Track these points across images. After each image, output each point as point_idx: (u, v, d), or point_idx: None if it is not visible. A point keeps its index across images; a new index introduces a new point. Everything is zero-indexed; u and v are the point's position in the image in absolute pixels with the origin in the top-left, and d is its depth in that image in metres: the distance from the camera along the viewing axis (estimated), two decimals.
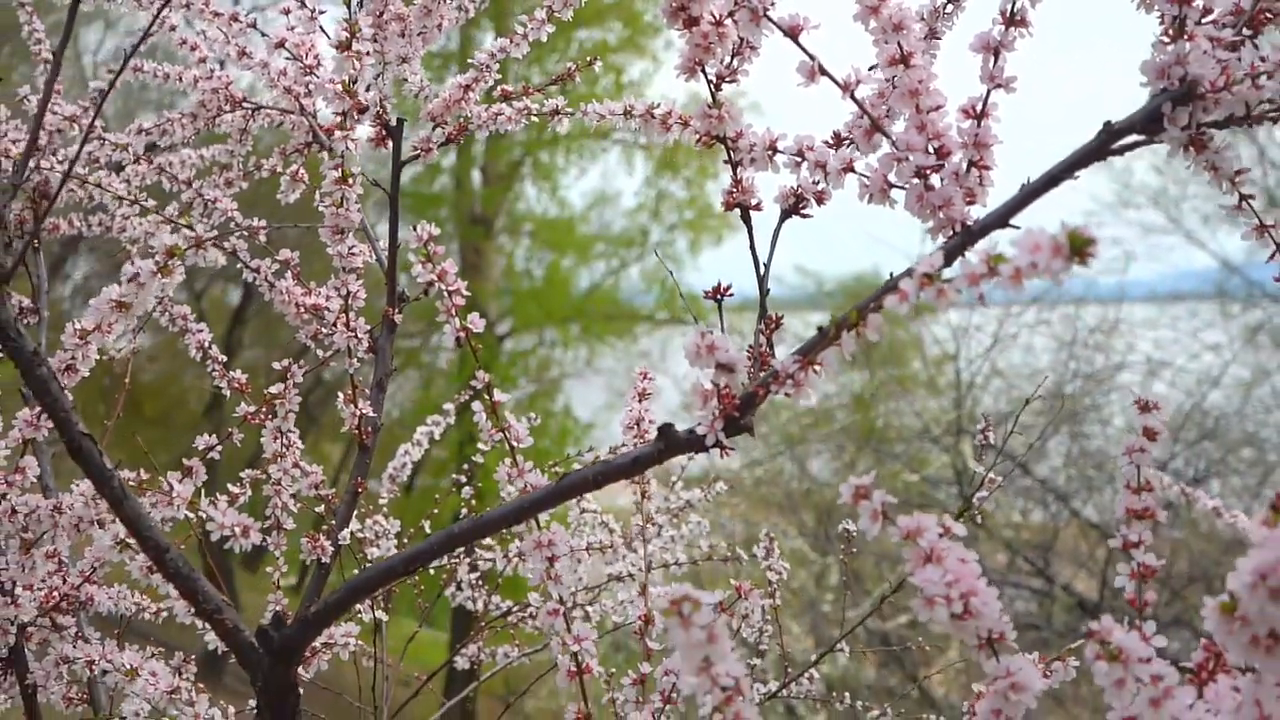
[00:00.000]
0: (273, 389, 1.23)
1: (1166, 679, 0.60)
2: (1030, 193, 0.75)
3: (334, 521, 1.25)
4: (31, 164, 1.50)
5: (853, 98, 0.84)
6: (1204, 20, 0.73)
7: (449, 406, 2.19)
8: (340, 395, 1.25)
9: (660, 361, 10.15)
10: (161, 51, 1.66)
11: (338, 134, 1.15)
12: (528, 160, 10.93)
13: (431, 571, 2.05)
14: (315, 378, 3.94)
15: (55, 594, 1.19)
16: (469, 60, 1.41)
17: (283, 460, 1.24)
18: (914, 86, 0.80)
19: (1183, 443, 7.92)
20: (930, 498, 8.23)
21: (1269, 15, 0.73)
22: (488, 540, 2.13)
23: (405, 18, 1.31)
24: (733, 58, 0.89)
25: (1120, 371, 8.58)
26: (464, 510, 2.16)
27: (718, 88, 0.91)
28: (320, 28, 1.31)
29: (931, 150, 0.80)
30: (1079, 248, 0.57)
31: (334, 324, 1.25)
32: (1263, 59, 0.70)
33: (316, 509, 1.34)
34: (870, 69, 0.84)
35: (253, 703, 1.09)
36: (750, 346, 0.88)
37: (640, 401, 1.13)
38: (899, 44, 0.80)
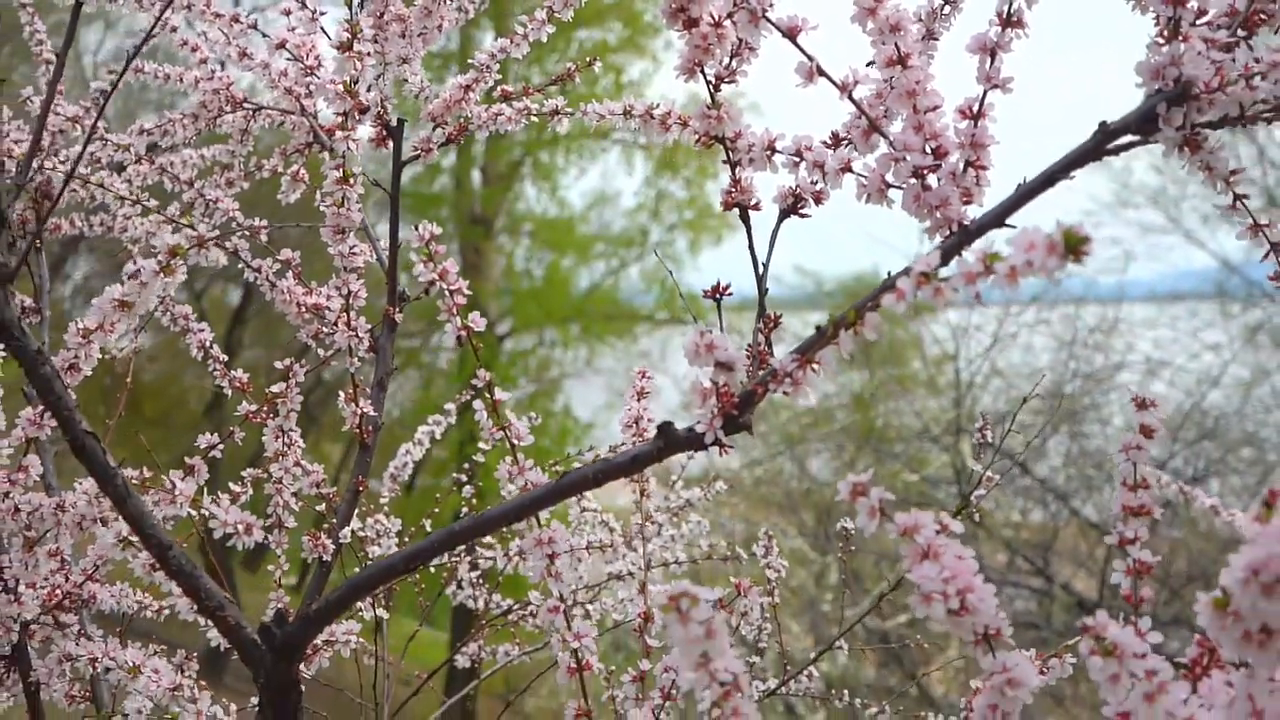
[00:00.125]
0: (274, 388, 1.23)
1: (1161, 674, 0.61)
2: (1026, 193, 0.76)
3: (335, 520, 1.26)
4: (34, 164, 1.50)
5: (850, 98, 0.85)
6: (1198, 21, 0.74)
7: (450, 406, 2.20)
8: (341, 394, 1.25)
9: (660, 361, 10.16)
10: (162, 52, 1.66)
11: (339, 134, 1.16)
12: (528, 160, 10.94)
13: (432, 570, 2.05)
14: (315, 378, 3.94)
15: (58, 592, 1.20)
16: (469, 60, 1.41)
17: (284, 459, 1.24)
18: (911, 87, 0.81)
19: (1182, 442, 7.93)
20: (930, 497, 8.24)
21: (1263, 17, 0.74)
22: (488, 539, 2.13)
23: (406, 18, 1.32)
24: (732, 58, 0.90)
25: (1120, 371, 8.60)
26: (464, 509, 2.16)
27: (717, 88, 0.91)
28: (321, 29, 1.32)
29: (929, 150, 0.81)
30: (1074, 246, 0.58)
31: (335, 323, 1.26)
32: (1257, 60, 0.71)
33: (317, 507, 1.34)
34: (869, 63, 0.84)
35: (255, 700, 1.10)
36: (749, 345, 0.89)
37: (639, 400, 1.13)
38: (896, 45, 0.81)
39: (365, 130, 1.33)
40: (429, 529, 1.99)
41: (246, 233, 1.38)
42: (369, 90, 1.27)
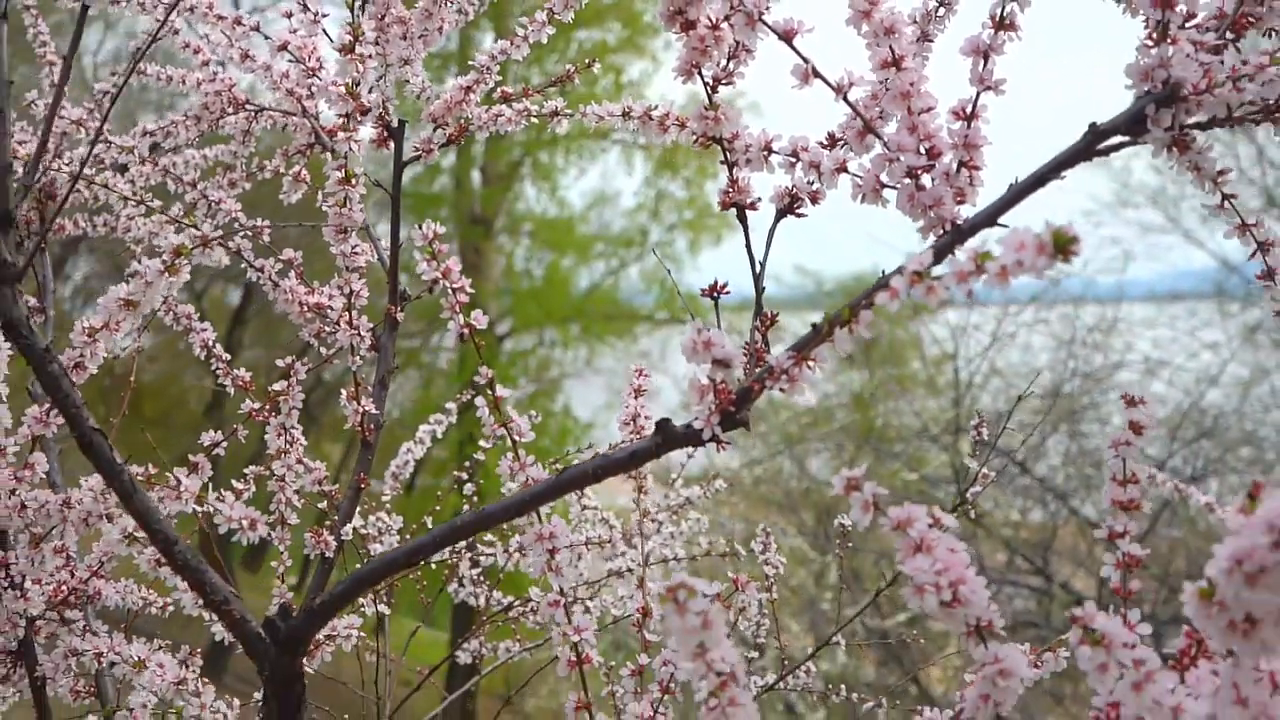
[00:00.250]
0: (276, 385, 1.24)
1: (1148, 663, 0.62)
2: (1018, 192, 0.77)
3: (337, 517, 1.27)
4: (40, 165, 1.52)
5: (846, 100, 0.86)
6: (1187, 24, 0.75)
7: (451, 405, 2.21)
8: (343, 392, 1.27)
9: (660, 361, 10.17)
10: (163, 54, 1.68)
11: (341, 135, 1.17)
12: (527, 160, 10.95)
13: (433, 567, 2.07)
14: (315, 378, 3.95)
15: (63, 588, 1.21)
16: (469, 62, 1.43)
17: (286, 456, 1.25)
18: (905, 89, 0.82)
19: (1181, 441, 7.94)
20: (929, 496, 8.25)
21: (1250, 20, 0.75)
22: (489, 536, 2.14)
23: (407, 21, 1.33)
24: (729, 60, 0.91)
25: (1119, 370, 8.61)
26: (465, 508, 2.17)
27: (714, 90, 0.92)
28: (324, 30, 1.33)
29: (923, 151, 0.82)
30: (1062, 246, 0.59)
31: (337, 322, 1.27)
32: (1244, 62, 0.72)
33: (319, 505, 1.36)
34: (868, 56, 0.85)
35: (258, 695, 1.11)
36: (746, 343, 0.90)
37: (636, 398, 1.14)
38: (891, 47, 0.82)
39: (367, 131, 1.35)
40: (430, 527, 2.00)
41: (249, 233, 1.39)
42: (371, 92, 1.29)
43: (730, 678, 0.62)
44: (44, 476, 1.18)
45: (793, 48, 0.86)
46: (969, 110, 0.82)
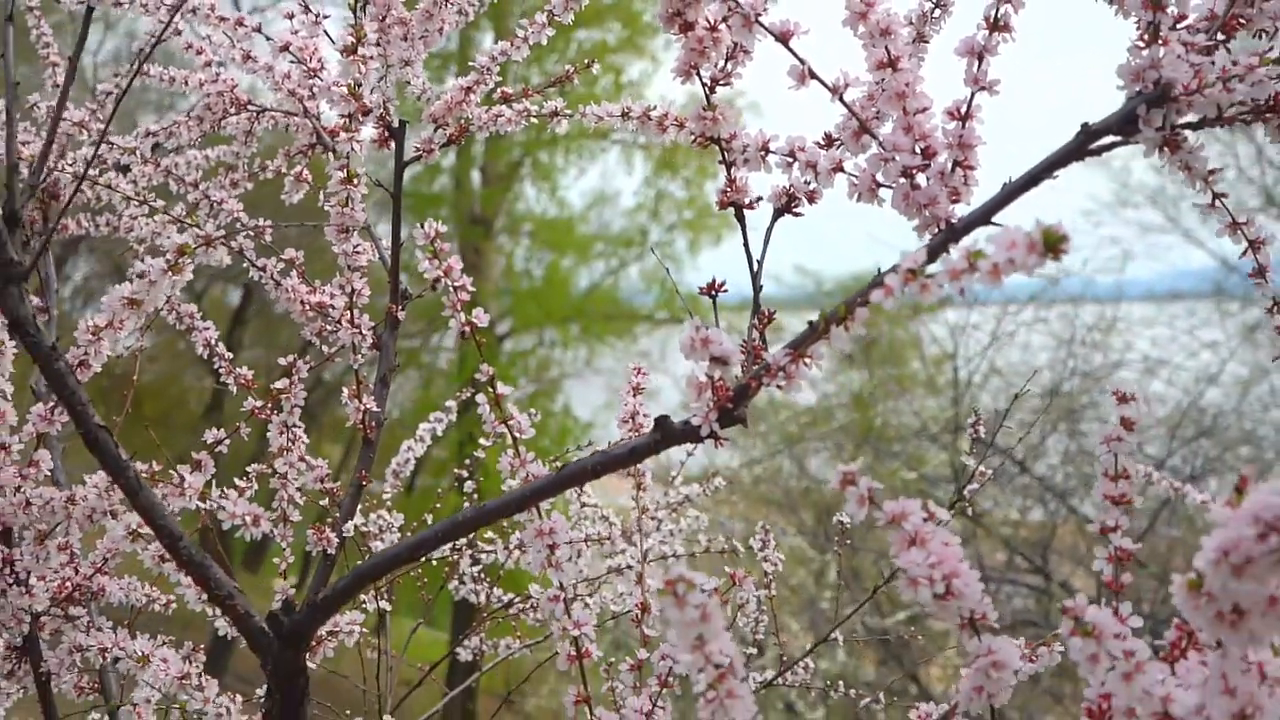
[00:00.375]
0: (278, 383, 1.25)
1: (1138, 654, 0.63)
2: (1011, 192, 0.78)
3: (339, 514, 1.28)
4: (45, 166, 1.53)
5: (842, 100, 0.87)
6: (1178, 26, 0.76)
7: (451, 404, 2.22)
8: (345, 390, 1.28)
9: (659, 361, 10.18)
10: (163, 54, 1.68)
11: (342, 135, 1.18)
12: (527, 160, 10.96)
13: (434, 564, 2.08)
14: (315, 378, 3.96)
15: (68, 584, 1.22)
16: (469, 62, 1.44)
17: (289, 454, 1.26)
18: (901, 89, 0.83)
19: (1180, 440, 7.95)
20: (928, 495, 8.22)
21: (1241, 21, 0.76)
22: (489, 533, 2.15)
23: (408, 22, 1.34)
24: (727, 61, 0.92)
25: (1118, 370, 8.61)
26: (465, 506, 2.18)
27: (712, 90, 0.94)
28: (325, 31, 1.34)
29: (918, 151, 0.83)
30: (1052, 244, 0.60)
31: (339, 321, 1.28)
32: (1235, 63, 0.73)
33: (321, 502, 1.36)
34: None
35: (259, 691, 1.12)
36: (744, 341, 0.91)
37: (635, 396, 1.15)
38: (887, 48, 0.83)
39: (368, 131, 1.36)
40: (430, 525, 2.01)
41: (251, 233, 1.40)
42: (372, 92, 1.30)
43: (728, 670, 0.63)
44: (48, 474, 1.19)
45: (789, 49, 0.87)
46: (964, 110, 0.83)
